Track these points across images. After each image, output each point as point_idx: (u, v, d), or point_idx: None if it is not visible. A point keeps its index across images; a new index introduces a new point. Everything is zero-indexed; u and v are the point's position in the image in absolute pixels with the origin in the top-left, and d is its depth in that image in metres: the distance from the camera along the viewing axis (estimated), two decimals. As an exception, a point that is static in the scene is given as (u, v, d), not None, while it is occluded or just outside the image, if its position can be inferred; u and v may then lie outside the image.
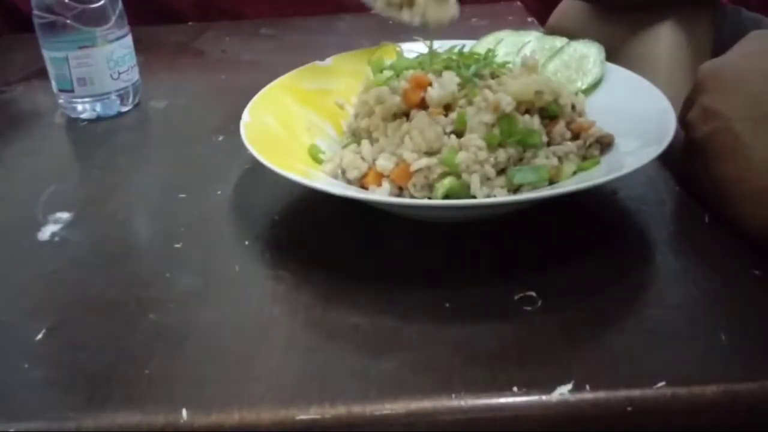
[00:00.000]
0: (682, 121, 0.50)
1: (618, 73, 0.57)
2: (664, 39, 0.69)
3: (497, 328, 0.38)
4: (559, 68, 0.59)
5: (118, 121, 0.69)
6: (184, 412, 0.34)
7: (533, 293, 0.41)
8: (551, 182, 0.47)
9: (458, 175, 0.46)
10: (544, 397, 0.34)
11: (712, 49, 0.70)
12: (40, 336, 0.40)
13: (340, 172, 0.49)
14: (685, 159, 0.50)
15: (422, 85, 0.49)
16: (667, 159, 0.47)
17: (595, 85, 0.57)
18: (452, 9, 0.48)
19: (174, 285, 0.44)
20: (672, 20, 0.70)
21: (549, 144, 0.49)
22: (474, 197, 0.45)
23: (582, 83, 0.57)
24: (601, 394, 0.34)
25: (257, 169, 0.50)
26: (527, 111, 0.49)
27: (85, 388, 0.36)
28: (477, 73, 0.51)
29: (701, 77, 0.48)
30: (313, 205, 0.50)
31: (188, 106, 0.73)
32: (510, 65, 0.56)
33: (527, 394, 0.34)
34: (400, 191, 0.47)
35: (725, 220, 0.45)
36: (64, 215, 0.52)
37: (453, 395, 0.34)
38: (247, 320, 0.40)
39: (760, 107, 0.44)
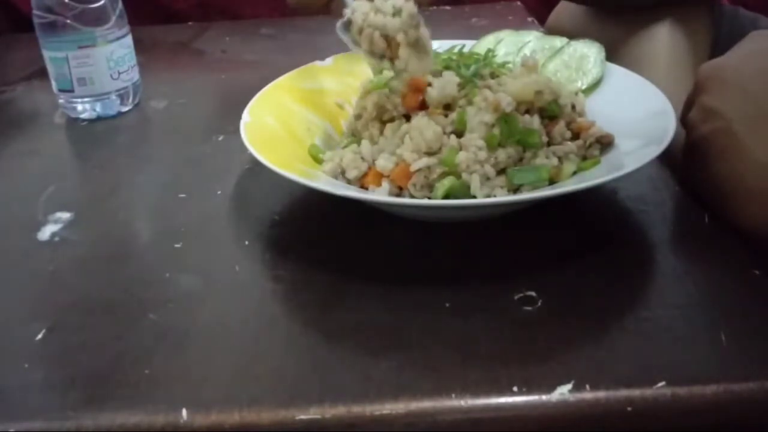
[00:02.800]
0: (683, 121, 0.50)
1: (618, 73, 0.57)
2: (663, 38, 0.69)
3: (497, 328, 0.38)
4: (559, 68, 0.59)
5: (118, 121, 0.69)
6: (184, 412, 0.34)
7: (533, 293, 0.40)
8: (551, 182, 0.47)
9: (458, 175, 0.46)
10: (544, 397, 0.34)
11: (711, 49, 0.70)
12: (40, 336, 0.40)
13: (340, 172, 0.49)
14: (685, 159, 0.50)
15: (420, 89, 0.49)
16: (667, 159, 0.47)
17: (595, 85, 0.57)
18: (430, 63, 0.51)
19: (174, 285, 0.44)
20: (670, 20, 0.70)
21: (549, 144, 0.49)
22: (474, 197, 0.45)
23: (582, 83, 0.57)
24: (601, 394, 0.34)
25: (257, 169, 0.50)
26: (527, 111, 0.49)
27: (85, 388, 0.36)
28: (477, 73, 0.51)
29: (702, 77, 0.48)
30: (313, 205, 0.50)
31: (188, 106, 0.73)
32: (510, 65, 0.56)
33: (527, 394, 0.34)
34: (400, 191, 0.47)
35: (725, 220, 0.45)
36: (64, 215, 0.52)
37: (453, 395, 0.34)
38: (247, 320, 0.40)
39: (759, 108, 0.43)
